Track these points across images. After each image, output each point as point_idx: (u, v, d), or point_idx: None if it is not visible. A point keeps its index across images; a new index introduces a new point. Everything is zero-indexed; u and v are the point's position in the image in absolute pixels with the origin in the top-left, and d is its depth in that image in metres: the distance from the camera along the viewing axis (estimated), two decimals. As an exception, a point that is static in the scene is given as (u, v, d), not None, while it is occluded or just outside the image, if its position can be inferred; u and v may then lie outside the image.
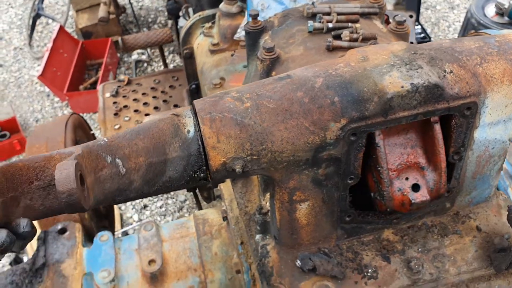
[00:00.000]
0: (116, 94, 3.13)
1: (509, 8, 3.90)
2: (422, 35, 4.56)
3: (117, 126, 2.88)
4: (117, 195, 1.07)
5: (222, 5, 2.35)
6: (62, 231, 1.89)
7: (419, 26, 4.65)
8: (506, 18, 3.95)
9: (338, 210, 1.32)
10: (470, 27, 4.04)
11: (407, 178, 1.26)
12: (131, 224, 4.18)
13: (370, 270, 1.36)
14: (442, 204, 1.42)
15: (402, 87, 1.12)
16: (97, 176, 1.01)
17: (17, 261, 3.32)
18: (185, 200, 4.14)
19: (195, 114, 1.14)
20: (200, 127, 1.12)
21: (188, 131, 1.13)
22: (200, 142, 1.12)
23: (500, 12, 3.99)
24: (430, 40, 4.48)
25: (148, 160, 1.09)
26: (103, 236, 1.89)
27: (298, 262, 1.35)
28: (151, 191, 1.13)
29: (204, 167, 1.15)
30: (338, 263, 1.36)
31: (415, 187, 1.26)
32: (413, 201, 1.25)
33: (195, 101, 1.17)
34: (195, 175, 1.16)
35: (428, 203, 1.27)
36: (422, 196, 1.25)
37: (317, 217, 1.33)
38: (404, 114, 1.15)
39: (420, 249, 1.39)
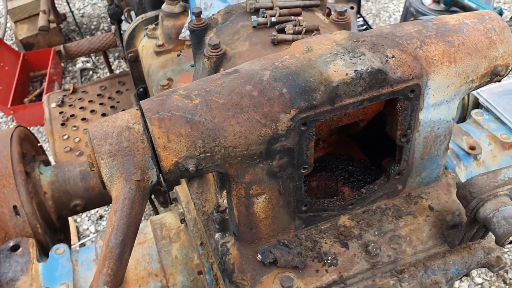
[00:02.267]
0: (62, 103, 3.04)
1: (445, -5, 4.06)
2: (365, 26, 4.66)
3: (65, 136, 2.80)
4: None
5: (164, 6, 2.32)
6: (15, 248, 1.81)
7: (361, 18, 4.75)
8: (442, 5, 4.11)
9: (295, 200, 1.33)
10: (410, 15, 4.18)
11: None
12: (88, 236, 4.08)
13: (329, 257, 1.37)
14: (394, 186, 1.46)
15: (347, 74, 1.14)
16: None
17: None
18: (143, 207, 4.06)
19: (142, 114, 1.12)
20: (149, 127, 1.10)
21: (152, 182, 1.13)
22: (152, 150, 1.11)
23: (436, 0, 4.14)
24: (373, 31, 4.57)
25: None
26: (59, 249, 1.83)
27: (259, 256, 1.35)
28: None
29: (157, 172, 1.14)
30: (298, 253, 1.37)
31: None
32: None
33: (141, 102, 1.15)
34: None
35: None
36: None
37: (275, 209, 1.33)
38: (351, 101, 1.17)
39: (376, 232, 1.42)
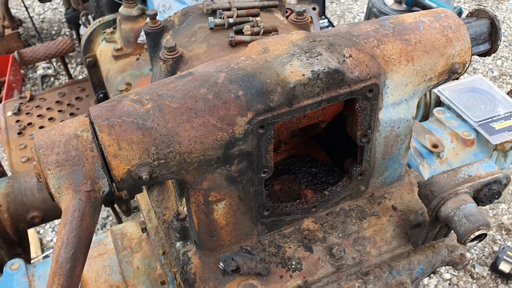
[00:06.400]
0: (18, 112, 2.93)
1: (406, -5, 4.11)
2: (330, 28, 4.68)
3: (22, 146, 2.69)
4: None
5: (122, 9, 2.26)
6: (-34, 265, 1.72)
7: (325, 20, 4.76)
8: (404, 6, 4.15)
9: (256, 205, 1.30)
10: (373, 16, 4.20)
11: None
12: (53, 247, 3.95)
13: (294, 262, 1.34)
14: (357, 187, 1.44)
15: (303, 75, 1.11)
16: None
17: None
18: (108, 216, 3.97)
19: (91, 121, 1.07)
20: (98, 135, 1.05)
21: (104, 192, 1.08)
22: (102, 158, 1.06)
23: (398, 0, 4.18)
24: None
25: None
26: (14, 264, 1.74)
27: (221, 264, 1.31)
28: None
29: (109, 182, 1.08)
30: (262, 260, 1.33)
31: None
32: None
33: (90, 108, 1.10)
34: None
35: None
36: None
37: (236, 215, 1.29)
38: (309, 102, 1.14)
39: (340, 235, 1.40)
